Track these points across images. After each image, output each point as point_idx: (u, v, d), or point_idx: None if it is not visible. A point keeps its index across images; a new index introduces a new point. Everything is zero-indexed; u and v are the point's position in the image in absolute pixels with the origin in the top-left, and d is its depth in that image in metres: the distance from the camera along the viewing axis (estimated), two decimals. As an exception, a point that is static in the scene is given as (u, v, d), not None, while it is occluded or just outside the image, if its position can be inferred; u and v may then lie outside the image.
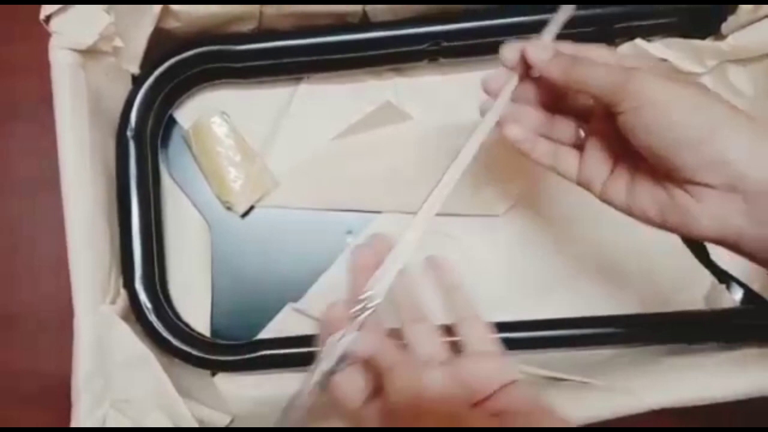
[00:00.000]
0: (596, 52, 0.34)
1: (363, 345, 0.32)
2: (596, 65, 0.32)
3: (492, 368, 0.32)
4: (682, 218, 0.31)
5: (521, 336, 0.45)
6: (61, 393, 0.38)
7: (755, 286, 0.47)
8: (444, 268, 0.38)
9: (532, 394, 0.32)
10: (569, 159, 0.37)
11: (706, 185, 0.30)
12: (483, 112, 0.37)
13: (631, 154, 0.33)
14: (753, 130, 0.29)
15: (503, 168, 0.48)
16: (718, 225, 0.30)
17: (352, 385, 0.32)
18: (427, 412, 0.30)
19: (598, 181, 0.35)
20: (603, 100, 0.32)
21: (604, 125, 0.34)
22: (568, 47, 0.35)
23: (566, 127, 0.37)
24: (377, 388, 0.32)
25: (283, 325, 0.46)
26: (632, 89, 0.30)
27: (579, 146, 0.37)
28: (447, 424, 0.30)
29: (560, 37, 0.46)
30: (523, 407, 0.31)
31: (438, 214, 0.48)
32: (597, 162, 0.35)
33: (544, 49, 0.34)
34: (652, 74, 0.31)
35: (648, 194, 0.33)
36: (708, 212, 0.30)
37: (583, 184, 0.36)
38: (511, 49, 0.35)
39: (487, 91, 0.37)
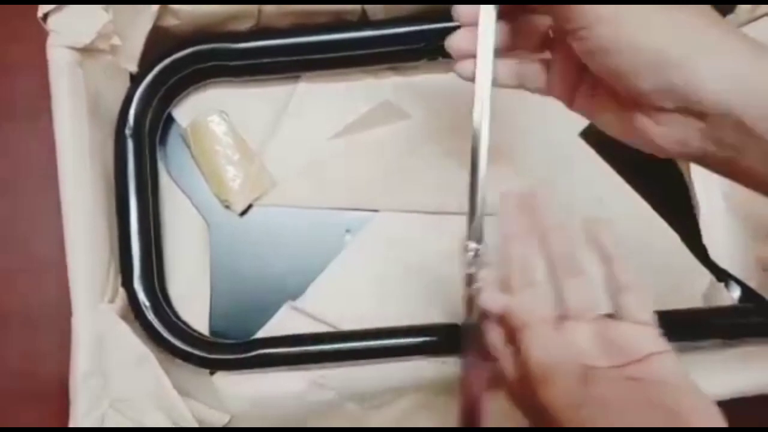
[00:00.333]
0: None
1: (491, 303, 0.34)
2: None
3: (646, 334, 0.32)
4: (644, 138, 0.31)
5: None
6: (59, 392, 0.38)
7: (753, 284, 0.48)
8: (606, 236, 0.34)
9: (680, 369, 0.31)
10: (536, 74, 0.36)
11: (662, 109, 0.29)
12: (463, 75, 0.36)
13: (591, 73, 0.32)
14: (707, 48, 0.28)
15: (498, 166, 0.48)
16: (680, 147, 0.30)
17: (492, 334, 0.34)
18: (559, 368, 0.31)
19: (566, 97, 0.35)
20: (554, 17, 0.31)
21: (563, 43, 0.33)
22: None
23: (529, 43, 0.36)
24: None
25: (281, 323, 0.46)
26: (578, 8, 0.29)
27: (545, 61, 0.36)
28: (576, 382, 0.30)
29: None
30: (668, 378, 0.30)
31: (429, 213, 0.48)
32: (561, 80, 0.35)
33: None
34: None
35: (610, 113, 0.33)
36: (668, 135, 0.30)
37: (554, 96, 0.36)
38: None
39: (458, 53, 0.36)
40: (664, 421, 0.28)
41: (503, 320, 0.34)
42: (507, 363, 0.33)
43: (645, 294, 0.33)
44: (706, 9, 0.29)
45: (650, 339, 0.31)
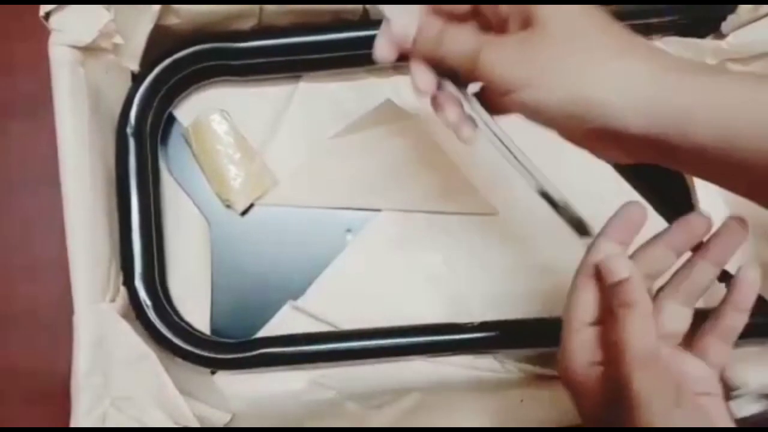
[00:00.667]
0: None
1: (619, 264, 0.32)
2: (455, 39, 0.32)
3: (712, 377, 0.33)
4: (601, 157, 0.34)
5: (521, 336, 0.45)
6: (60, 391, 0.38)
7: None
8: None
9: (727, 414, 0.32)
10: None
11: (603, 138, 0.31)
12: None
13: None
14: (620, 84, 0.29)
15: (499, 166, 0.48)
16: (635, 159, 0.32)
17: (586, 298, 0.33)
18: (656, 361, 0.30)
19: None
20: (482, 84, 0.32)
21: None
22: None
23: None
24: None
25: (282, 323, 0.46)
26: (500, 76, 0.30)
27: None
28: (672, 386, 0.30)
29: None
30: (715, 419, 0.32)
31: (431, 213, 0.48)
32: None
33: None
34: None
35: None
36: (620, 154, 0.32)
37: None
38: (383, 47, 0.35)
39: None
40: None
41: (609, 289, 0.33)
42: (585, 345, 0.33)
43: (729, 345, 0.34)
44: (608, 30, 0.30)
45: (708, 381, 0.33)
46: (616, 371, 0.30)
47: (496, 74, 0.30)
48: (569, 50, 0.29)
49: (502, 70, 0.30)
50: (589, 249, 0.35)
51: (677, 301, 0.34)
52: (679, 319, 0.34)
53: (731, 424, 0.32)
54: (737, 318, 0.33)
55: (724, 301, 0.34)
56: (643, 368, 0.30)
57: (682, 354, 0.34)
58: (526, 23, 0.30)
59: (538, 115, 0.31)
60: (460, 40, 0.31)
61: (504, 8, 0.30)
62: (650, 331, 0.31)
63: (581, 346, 0.33)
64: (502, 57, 0.30)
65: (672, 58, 0.29)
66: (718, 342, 0.34)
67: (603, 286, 0.33)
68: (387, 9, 0.33)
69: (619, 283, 0.31)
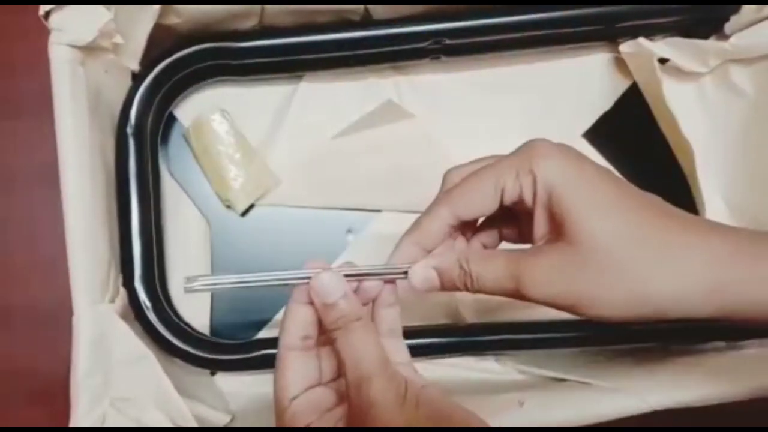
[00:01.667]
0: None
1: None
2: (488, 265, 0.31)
3: (408, 375, 0.32)
4: None
5: (522, 336, 0.45)
6: (59, 392, 0.38)
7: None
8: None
9: (445, 396, 0.31)
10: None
11: None
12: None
13: None
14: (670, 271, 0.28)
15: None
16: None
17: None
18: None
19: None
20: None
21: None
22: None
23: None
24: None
25: (282, 324, 0.46)
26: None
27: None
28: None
29: (561, 36, 0.47)
30: (439, 405, 0.31)
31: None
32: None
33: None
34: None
35: None
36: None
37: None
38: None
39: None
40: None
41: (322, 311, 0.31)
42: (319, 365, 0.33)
43: (399, 337, 0.34)
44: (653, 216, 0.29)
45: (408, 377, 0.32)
46: (346, 389, 0.30)
47: (548, 296, 0.29)
48: (619, 260, 0.28)
49: (551, 291, 0.29)
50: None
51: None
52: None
53: (454, 405, 0.31)
54: (389, 313, 0.33)
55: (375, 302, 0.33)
56: (372, 380, 0.29)
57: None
58: (558, 232, 0.29)
59: (600, 319, 0.29)
60: (492, 270, 0.31)
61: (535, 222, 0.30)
62: (372, 344, 0.30)
63: (298, 368, 0.32)
64: (549, 279, 0.29)
65: (731, 236, 0.29)
66: (389, 340, 0.33)
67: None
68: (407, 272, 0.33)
69: (331, 306, 0.31)
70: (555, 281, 0.29)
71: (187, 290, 0.32)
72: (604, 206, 0.29)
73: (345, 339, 0.30)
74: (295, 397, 0.31)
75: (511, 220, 0.34)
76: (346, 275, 0.32)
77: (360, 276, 0.32)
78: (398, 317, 0.34)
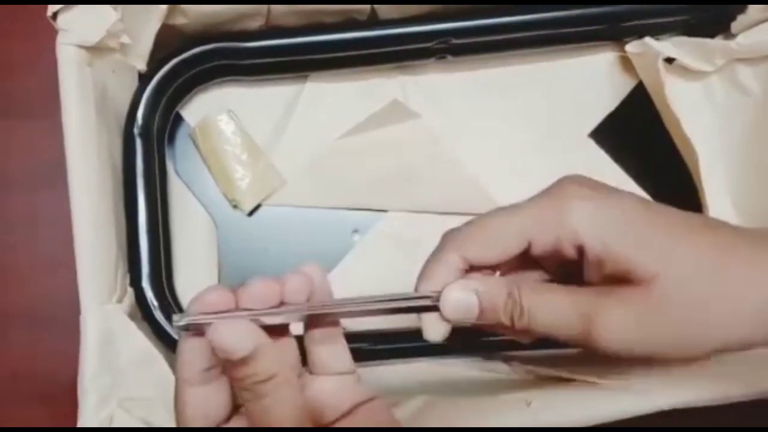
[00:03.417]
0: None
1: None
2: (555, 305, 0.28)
3: (344, 386, 0.29)
4: None
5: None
6: (67, 392, 0.38)
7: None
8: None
9: (389, 415, 0.29)
10: None
11: None
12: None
13: None
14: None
15: (507, 166, 0.48)
16: None
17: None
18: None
19: None
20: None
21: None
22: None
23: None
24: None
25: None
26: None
27: None
28: None
29: (567, 35, 0.47)
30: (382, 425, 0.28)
31: (438, 213, 0.48)
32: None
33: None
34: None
35: None
36: None
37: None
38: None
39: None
40: None
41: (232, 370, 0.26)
42: (210, 402, 0.27)
43: (337, 343, 0.29)
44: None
45: (349, 390, 0.29)
46: None
47: (626, 343, 0.27)
48: (690, 299, 0.26)
49: (630, 337, 0.27)
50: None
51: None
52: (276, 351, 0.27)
53: (397, 425, 0.28)
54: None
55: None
56: None
57: (305, 381, 0.29)
58: (618, 277, 0.27)
59: (680, 362, 0.29)
60: (552, 305, 0.28)
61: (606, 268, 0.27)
62: (297, 414, 0.26)
63: (204, 404, 0.27)
64: (626, 325, 0.27)
65: None
66: (317, 347, 0.29)
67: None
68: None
69: (251, 356, 0.24)
70: (633, 327, 0.26)
71: (178, 327, 0.26)
72: (660, 246, 0.26)
73: (255, 403, 0.25)
74: None
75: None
76: (349, 311, 0.27)
77: (373, 311, 0.28)
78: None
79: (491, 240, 0.28)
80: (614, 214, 0.27)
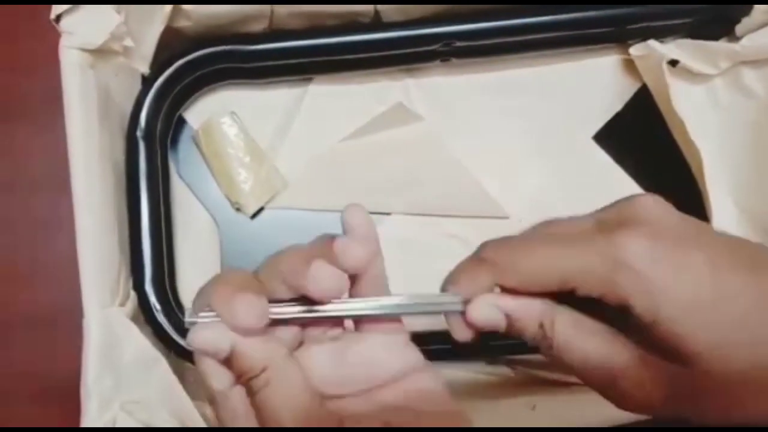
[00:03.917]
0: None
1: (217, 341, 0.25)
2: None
3: (391, 346, 0.27)
4: None
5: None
6: (70, 395, 0.38)
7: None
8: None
9: (440, 389, 0.27)
10: None
11: None
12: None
13: None
14: None
15: (511, 170, 0.48)
16: None
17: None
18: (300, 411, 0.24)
19: None
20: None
21: None
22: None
23: None
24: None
25: (292, 326, 0.46)
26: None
27: None
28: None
29: (571, 38, 0.47)
30: (423, 404, 0.27)
31: (442, 216, 0.48)
32: None
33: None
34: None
35: None
36: None
37: None
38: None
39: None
40: None
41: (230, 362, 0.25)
42: (236, 416, 0.26)
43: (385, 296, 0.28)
44: None
45: (397, 352, 0.27)
46: None
47: (651, 411, 0.26)
48: (736, 384, 0.24)
49: (656, 406, 0.25)
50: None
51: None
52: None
53: (450, 406, 0.27)
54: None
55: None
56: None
57: (348, 341, 0.27)
58: (661, 347, 0.25)
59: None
60: (593, 358, 0.25)
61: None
62: (297, 400, 0.24)
63: (232, 419, 0.26)
64: (656, 399, 0.25)
65: None
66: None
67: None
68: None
69: (234, 356, 0.24)
70: (662, 401, 0.25)
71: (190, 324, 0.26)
72: (719, 331, 0.24)
73: (254, 397, 0.25)
74: None
75: None
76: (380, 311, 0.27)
77: (399, 313, 0.27)
78: None
79: (529, 276, 0.26)
80: (674, 290, 0.24)
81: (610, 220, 0.26)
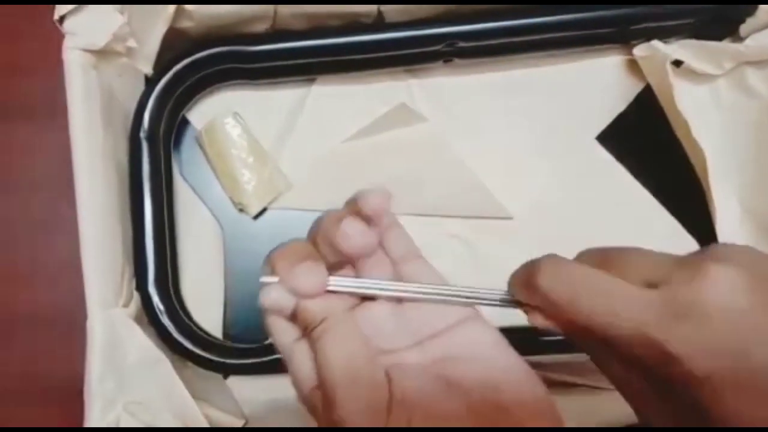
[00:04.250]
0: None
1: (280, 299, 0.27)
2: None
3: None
4: None
5: (533, 340, 0.44)
6: (73, 396, 0.38)
7: None
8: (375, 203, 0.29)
9: (492, 336, 0.28)
10: None
11: None
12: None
13: None
14: None
15: (515, 170, 0.48)
16: None
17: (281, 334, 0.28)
18: (360, 367, 0.26)
19: None
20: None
21: None
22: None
23: None
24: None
25: (295, 327, 0.46)
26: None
27: None
28: (379, 383, 0.26)
29: (574, 38, 0.47)
30: (479, 353, 0.27)
31: (445, 216, 0.48)
32: None
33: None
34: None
35: None
36: None
37: None
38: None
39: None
40: (487, 420, 0.25)
41: (296, 317, 0.27)
42: (302, 367, 0.27)
43: (426, 265, 0.30)
44: None
45: (447, 307, 0.28)
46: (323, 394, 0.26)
47: None
48: None
49: None
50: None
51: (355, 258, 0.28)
52: (371, 267, 0.29)
53: (502, 354, 0.27)
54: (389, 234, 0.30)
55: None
56: (346, 389, 0.25)
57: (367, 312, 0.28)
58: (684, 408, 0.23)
59: None
60: None
61: None
62: (350, 347, 0.26)
63: (299, 370, 0.27)
64: None
65: None
66: (408, 264, 0.30)
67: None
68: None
69: (297, 311, 0.27)
70: None
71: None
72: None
73: (313, 346, 0.26)
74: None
75: None
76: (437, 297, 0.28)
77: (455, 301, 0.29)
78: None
79: (578, 322, 0.25)
80: (734, 378, 0.22)
81: (694, 260, 0.23)
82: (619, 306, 0.24)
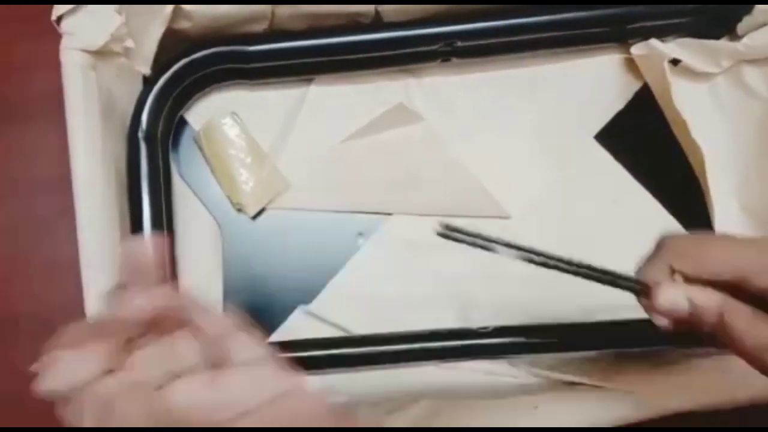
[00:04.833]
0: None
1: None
2: None
3: (261, 376, 0.27)
4: None
5: (535, 340, 0.44)
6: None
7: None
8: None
9: (318, 399, 0.27)
10: None
11: None
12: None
13: None
14: None
15: (512, 169, 0.48)
16: None
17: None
18: None
19: None
20: None
21: None
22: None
23: None
24: None
25: (294, 328, 0.46)
26: None
27: None
28: None
29: (572, 37, 0.47)
30: (308, 419, 0.27)
31: (445, 216, 0.48)
32: None
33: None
34: None
35: None
36: None
37: None
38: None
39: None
40: None
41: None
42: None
43: (244, 335, 0.28)
44: None
45: (269, 379, 0.27)
46: None
47: None
48: None
49: None
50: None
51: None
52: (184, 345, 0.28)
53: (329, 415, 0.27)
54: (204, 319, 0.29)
55: None
56: None
57: (216, 373, 0.27)
58: None
59: None
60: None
61: None
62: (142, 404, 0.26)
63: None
64: None
65: None
66: (228, 342, 0.28)
67: None
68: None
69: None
70: None
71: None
72: None
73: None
74: None
75: None
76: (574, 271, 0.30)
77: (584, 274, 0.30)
78: None
79: (707, 265, 0.28)
80: None
81: None
82: (745, 246, 0.28)
